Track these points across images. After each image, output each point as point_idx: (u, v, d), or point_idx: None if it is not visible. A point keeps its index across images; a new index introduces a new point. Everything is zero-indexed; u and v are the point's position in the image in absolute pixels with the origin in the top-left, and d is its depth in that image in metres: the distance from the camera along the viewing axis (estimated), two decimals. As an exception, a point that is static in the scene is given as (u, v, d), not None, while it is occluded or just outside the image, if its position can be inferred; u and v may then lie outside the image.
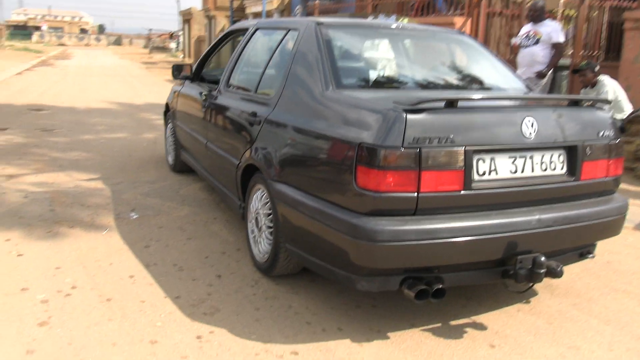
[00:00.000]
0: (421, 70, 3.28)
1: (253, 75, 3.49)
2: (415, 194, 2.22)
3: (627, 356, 2.42)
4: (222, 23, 24.82)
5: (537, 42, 6.15)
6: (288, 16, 15.45)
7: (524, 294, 2.91)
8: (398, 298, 2.71)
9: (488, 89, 3.14)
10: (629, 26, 6.57)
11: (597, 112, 2.67)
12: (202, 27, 29.01)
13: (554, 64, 6.15)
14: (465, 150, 2.26)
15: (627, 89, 5.98)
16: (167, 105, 5.34)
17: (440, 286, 2.32)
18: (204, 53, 4.61)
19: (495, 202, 2.38)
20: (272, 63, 3.29)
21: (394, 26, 3.40)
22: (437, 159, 2.22)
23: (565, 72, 7.31)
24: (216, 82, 3.94)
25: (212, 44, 4.52)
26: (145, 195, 4.43)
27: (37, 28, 61.71)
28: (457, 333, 2.55)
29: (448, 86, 3.06)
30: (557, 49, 6.12)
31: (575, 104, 2.67)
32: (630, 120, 5.26)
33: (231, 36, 4.33)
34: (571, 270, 3.26)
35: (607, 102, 2.74)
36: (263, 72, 3.34)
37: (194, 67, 4.59)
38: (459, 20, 8.45)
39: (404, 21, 4.79)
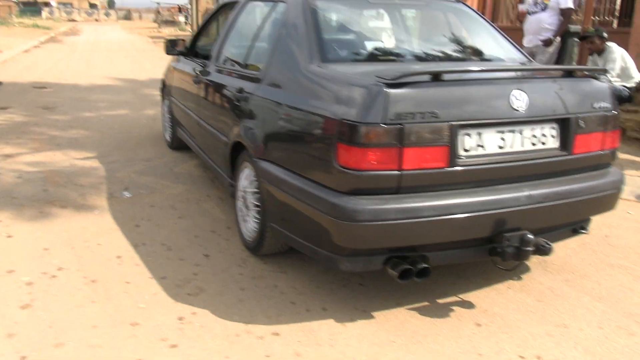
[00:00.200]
0: (414, 42, 3.16)
1: (242, 50, 3.40)
2: (398, 172, 2.15)
3: (616, 334, 2.35)
4: (229, -5, 24.42)
5: (544, 8, 5.93)
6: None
7: (516, 271, 2.84)
8: (386, 277, 2.64)
9: (484, 60, 3.02)
10: (641, -10, 6.30)
11: (593, 83, 2.55)
12: (210, -1, 28.63)
13: (562, 31, 5.93)
14: (450, 126, 2.17)
15: (637, 56, 5.76)
16: (163, 81, 5.27)
17: (425, 265, 2.27)
18: (198, 27, 4.50)
19: (483, 178, 2.30)
20: (260, 37, 3.19)
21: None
22: (420, 135, 2.14)
23: (577, 39, 7.06)
24: (209, 58, 3.85)
25: (206, 17, 4.42)
26: (139, 174, 4.40)
27: (47, 4, 61.47)
28: (443, 312, 2.50)
29: (440, 58, 2.95)
30: (566, 15, 5.90)
31: (569, 74, 2.53)
32: (638, 88, 5.07)
33: (225, 9, 4.21)
34: (567, 245, 3.18)
35: (604, 71, 2.61)
36: (251, 47, 3.25)
37: (188, 42, 4.50)
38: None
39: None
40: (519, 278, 2.83)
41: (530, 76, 2.55)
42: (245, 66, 3.22)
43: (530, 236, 2.29)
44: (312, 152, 2.37)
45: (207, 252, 3.05)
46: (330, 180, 2.24)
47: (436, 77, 2.20)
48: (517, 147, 2.33)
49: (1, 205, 3.65)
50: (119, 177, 4.31)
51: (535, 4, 6.04)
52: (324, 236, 2.28)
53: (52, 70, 11.56)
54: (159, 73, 6.50)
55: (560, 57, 6.46)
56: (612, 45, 5.35)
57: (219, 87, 3.45)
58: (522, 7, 6.33)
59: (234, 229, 3.33)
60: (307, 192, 2.33)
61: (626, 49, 5.60)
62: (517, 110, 2.28)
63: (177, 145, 4.98)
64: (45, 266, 2.83)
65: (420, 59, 2.91)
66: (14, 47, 16.65)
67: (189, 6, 37.67)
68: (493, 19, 9.41)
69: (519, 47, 3.06)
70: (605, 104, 2.49)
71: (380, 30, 3.14)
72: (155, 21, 45.96)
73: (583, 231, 2.66)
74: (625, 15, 8.02)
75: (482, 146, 2.26)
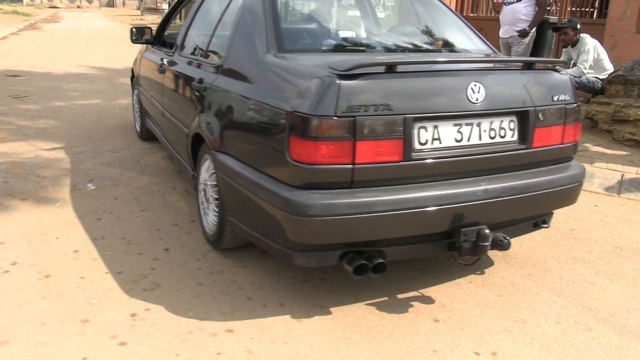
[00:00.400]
0: (377, 32, 3.10)
1: (203, 39, 3.32)
2: (351, 166, 2.10)
3: (574, 330, 2.34)
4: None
5: (519, -2, 5.89)
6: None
7: (479, 265, 2.82)
8: (345, 271, 2.63)
9: (450, 51, 2.97)
10: (616, -20, 6.30)
11: (553, 75, 2.51)
12: (193, -14, 28.20)
13: (537, 22, 5.92)
14: (404, 118, 2.12)
15: (612, 47, 5.77)
16: (132, 70, 5.16)
17: (381, 261, 2.23)
18: (165, 14, 4.40)
19: (439, 172, 2.25)
20: (220, 25, 3.11)
21: (351, -16, 3.20)
22: (374, 128, 2.09)
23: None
24: (173, 46, 3.77)
25: (173, 4, 4.31)
26: (105, 165, 4.31)
27: (27, -10, 60.14)
28: (402, 307, 2.47)
29: (403, 49, 2.89)
30: (541, 6, 5.87)
31: (528, 66, 2.49)
32: (610, 80, 5.07)
33: (190, -4, 4.12)
34: (532, 239, 3.17)
35: (564, 63, 2.57)
36: (212, 35, 3.17)
37: (155, 30, 4.40)
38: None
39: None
40: (482, 272, 2.81)
41: (489, 68, 2.50)
42: (207, 55, 3.14)
43: (487, 231, 2.26)
44: (266, 145, 2.32)
45: (168, 246, 2.99)
46: (284, 175, 2.19)
47: (390, 69, 2.14)
48: (475, 141, 2.29)
49: (-42, 197, 3.55)
50: (84, 168, 4.21)
51: (511, -6, 6.01)
52: (278, 231, 2.23)
53: (28, 59, 11.31)
54: (134, 62, 6.34)
55: (537, 49, 6.45)
56: (585, 37, 5.34)
57: (181, 77, 3.37)
58: (498, -3, 6.30)
59: (197, 222, 3.27)
60: (261, 186, 2.28)
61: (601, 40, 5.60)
62: (474, 102, 2.23)
63: (147, 136, 4.89)
64: (-3, 261, 2.75)
65: (382, 49, 2.85)
66: (-10, 34, 16.28)
67: (172, -7, 37.21)
68: (473, 9, 9.37)
69: (484, 39, 3.01)
70: (565, 97, 2.46)
71: (344, 20, 3.08)
72: (138, 8, 45.29)
73: (544, 225, 2.64)
74: (606, 6, 8.02)
75: (438, 139, 2.22)
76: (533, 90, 2.40)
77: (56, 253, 2.87)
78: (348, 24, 3.07)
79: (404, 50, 2.87)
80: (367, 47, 2.86)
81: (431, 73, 2.28)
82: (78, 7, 61.45)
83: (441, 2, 3.22)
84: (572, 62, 5.41)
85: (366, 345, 2.20)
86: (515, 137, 2.39)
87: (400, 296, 2.56)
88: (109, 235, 3.09)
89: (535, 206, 2.49)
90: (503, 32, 6.10)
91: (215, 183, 2.75)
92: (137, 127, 5.13)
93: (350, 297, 2.53)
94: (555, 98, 2.43)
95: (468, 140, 2.28)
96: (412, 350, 2.17)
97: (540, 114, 2.39)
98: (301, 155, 2.09)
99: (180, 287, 2.57)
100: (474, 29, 3.10)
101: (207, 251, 2.94)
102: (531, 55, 6.09)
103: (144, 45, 4.66)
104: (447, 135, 2.24)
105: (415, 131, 2.17)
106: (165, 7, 40.01)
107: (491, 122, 2.32)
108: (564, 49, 5.68)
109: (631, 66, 5.04)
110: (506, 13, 6.03)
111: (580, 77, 5.27)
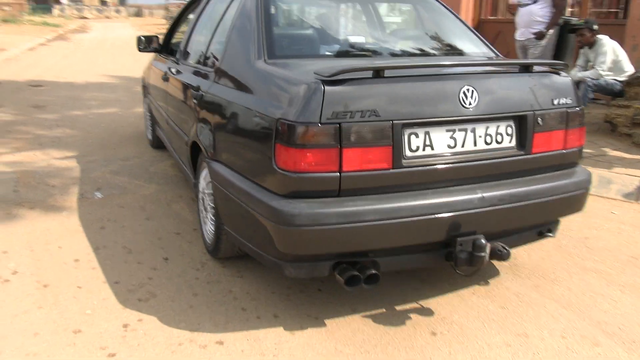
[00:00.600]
0: (373, 36, 3.03)
1: (202, 46, 3.32)
2: (338, 174, 2.05)
3: (579, 344, 2.23)
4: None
5: (535, 0, 5.74)
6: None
7: (484, 276, 2.72)
8: (342, 282, 2.56)
9: (444, 55, 2.88)
10: (639, -21, 6.08)
11: (553, 77, 2.40)
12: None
13: (553, 23, 5.74)
14: (392, 125, 2.05)
15: (633, 48, 5.57)
16: (143, 79, 5.21)
17: (374, 272, 2.16)
18: (171, 23, 4.43)
19: (432, 180, 2.18)
20: (218, 32, 3.10)
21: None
22: (361, 135, 2.03)
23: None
24: (177, 54, 3.78)
25: (179, 12, 4.33)
26: (114, 174, 4.34)
27: (58, 2, 61.81)
28: (399, 319, 2.39)
29: (398, 54, 2.82)
30: (558, 7, 5.71)
31: (526, 69, 2.39)
32: (629, 82, 4.89)
33: (194, 4, 4.13)
34: (541, 248, 3.06)
35: (564, 65, 2.47)
36: (210, 42, 3.16)
37: (162, 39, 4.43)
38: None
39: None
40: (486, 283, 2.71)
41: (484, 71, 2.41)
42: (205, 63, 3.13)
43: (483, 241, 2.17)
44: (255, 154, 2.28)
45: (167, 255, 2.97)
46: (271, 183, 2.14)
47: (378, 73, 2.08)
48: (470, 147, 2.21)
49: (-32, 207, 3.61)
50: (94, 177, 4.25)
51: (526, -4, 5.86)
52: (268, 241, 2.19)
53: (53, 69, 11.57)
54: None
55: (559, 52, 6.26)
56: (603, 38, 5.17)
57: (182, 85, 3.37)
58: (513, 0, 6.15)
59: (199, 231, 3.25)
60: (251, 195, 2.24)
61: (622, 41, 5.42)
62: (467, 107, 2.15)
63: (158, 144, 4.91)
64: (0, 270, 2.77)
65: (376, 54, 2.77)
66: (19, 45, 16.72)
67: (197, 2, 37.68)
68: (493, 12, 9.21)
69: (486, 41, 2.92)
70: (567, 100, 2.36)
71: (338, 25, 3.02)
72: (164, 18, 46.02)
73: (549, 234, 2.53)
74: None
75: (430, 146, 2.14)
76: (531, 93, 2.30)
77: (57, 262, 2.88)
78: (344, 29, 3.02)
79: (397, 55, 2.80)
80: (362, 52, 2.80)
81: (421, 77, 2.20)
82: (107, 17, 62.85)
83: (441, 4, 3.13)
84: (590, 64, 5.25)
85: (359, 359, 2.13)
86: (513, 143, 2.30)
87: (398, 307, 2.49)
88: (111, 244, 3.10)
89: (537, 214, 2.38)
90: (519, 35, 5.95)
91: (212, 192, 2.73)
92: (149, 135, 5.17)
93: (347, 308, 2.47)
94: (556, 101, 2.33)
95: (462, 147, 2.20)
96: (405, 365, 2.10)
97: (539, 119, 2.29)
98: (287, 163, 2.05)
99: (176, 297, 2.55)
100: (477, 33, 3.01)
101: (206, 260, 2.91)
102: (553, 59, 5.92)
103: (154, 54, 4.70)
104: (440, 141, 2.16)
105: (406, 137, 2.10)
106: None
107: (487, 128, 2.23)
108: (580, 50, 5.51)
109: (652, 67, 4.86)
110: (522, 15, 5.88)
111: (598, 79, 5.11)
